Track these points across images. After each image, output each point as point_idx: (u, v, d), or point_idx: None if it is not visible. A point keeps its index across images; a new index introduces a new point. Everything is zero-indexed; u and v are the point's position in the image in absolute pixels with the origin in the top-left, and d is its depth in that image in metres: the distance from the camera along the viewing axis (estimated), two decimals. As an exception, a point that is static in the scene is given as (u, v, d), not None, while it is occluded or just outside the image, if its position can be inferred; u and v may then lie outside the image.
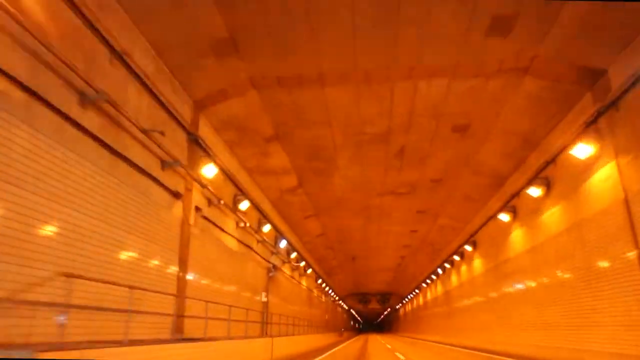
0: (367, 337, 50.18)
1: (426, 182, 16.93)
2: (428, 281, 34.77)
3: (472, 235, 20.17)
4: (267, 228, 15.92)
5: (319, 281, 32.94)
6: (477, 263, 20.29)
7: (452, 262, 25.94)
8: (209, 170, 10.19)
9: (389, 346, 25.10)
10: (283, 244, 18.66)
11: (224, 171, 11.60)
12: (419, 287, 41.52)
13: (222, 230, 11.86)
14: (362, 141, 13.36)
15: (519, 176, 14.10)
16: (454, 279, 26.04)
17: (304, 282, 26.33)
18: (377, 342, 33.44)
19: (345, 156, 14.42)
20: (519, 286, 14.74)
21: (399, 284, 50.07)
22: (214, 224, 11.19)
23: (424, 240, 26.93)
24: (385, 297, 63.84)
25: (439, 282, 31.62)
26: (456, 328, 25.52)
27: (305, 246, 26.29)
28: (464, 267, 23.17)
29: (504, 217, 15.32)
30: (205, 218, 10.60)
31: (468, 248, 20.94)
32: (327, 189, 17.58)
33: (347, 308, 65.56)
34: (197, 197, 10.07)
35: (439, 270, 29.26)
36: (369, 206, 20.11)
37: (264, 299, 15.93)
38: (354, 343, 32.84)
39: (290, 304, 21.52)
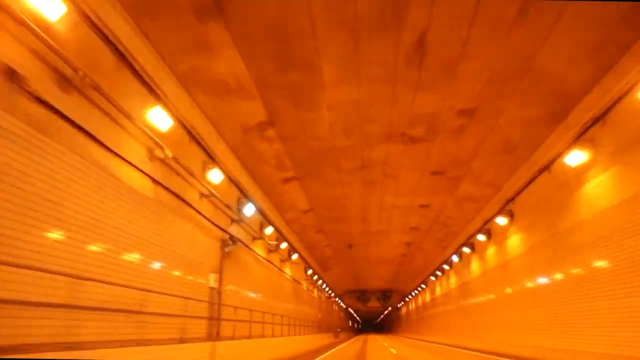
0: (366, 338, 45.02)
1: (451, 116, 11.71)
2: (438, 273, 29.57)
3: (508, 202, 14.99)
4: (218, 177, 10.71)
5: (310, 272, 27.75)
6: (515, 241, 15.08)
7: (472, 246, 20.77)
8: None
9: (394, 351, 19.92)
10: (250, 210, 13.47)
11: (98, 28, 6.38)
12: (425, 281, 36.41)
13: (108, 149, 6.66)
14: (355, 17, 8.15)
15: (607, 87, 8.94)
16: (475, 267, 20.85)
17: (287, 271, 21.14)
18: (378, 345, 28.28)
19: (332, 55, 9.19)
20: (600, 263, 9.55)
21: (402, 280, 44.96)
22: (77, 126, 5.98)
23: (437, 218, 21.71)
24: (386, 295, 58.98)
25: (452, 274, 26.43)
26: (477, 328, 20.33)
27: (290, 226, 21.11)
28: (491, 250, 17.97)
29: (575, 158, 10.14)
30: (47, 105, 5.39)
31: (501, 221, 15.74)
32: (311, 127, 12.37)
33: (344, 307, 60.48)
34: (8, 48, 4.87)
35: (454, 258, 24.07)
36: (369, 162, 14.87)
37: (213, 284, 10.74)
38: (351, 346, 27.70)
39: (265, 295, 16.33)
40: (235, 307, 11.72)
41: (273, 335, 14.99)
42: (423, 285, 37.68)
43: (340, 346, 26.16)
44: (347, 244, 28.52)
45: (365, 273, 42.10)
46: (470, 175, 15.69)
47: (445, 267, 26.85)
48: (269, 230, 16.15)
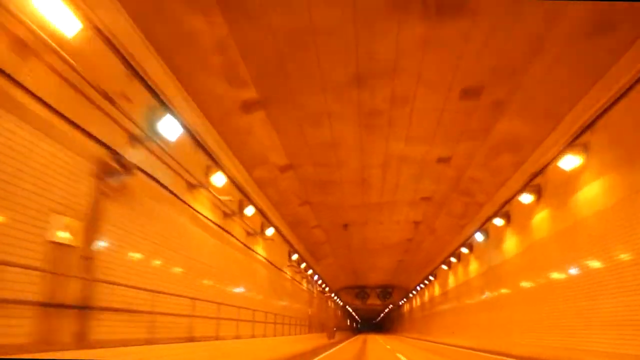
0: (365, 339, 39.83)
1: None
2: (453, 259, 24.34)
3: (583, 131, 9.73)
4: (70, 23, 5.38)
5: (295, 257, 22.50)
6: (593, 190, 9.78)
7: (507, 215, 15.54)
8: None
9: (402, 358, 14.68)
10: (174, 129, 8.22)
11: None
12: (434, 272, 31.27)
13: None
14: None
15: None
16: (510, 244, 15.60)
17: (259, 250, 15.86)
18: (380, 348, 23.08)
19: None
20: None
21: (405, 273, 39.87)
22: None
23: (458, 181, 16.43)
24: (387, 291, 54.10)
25: (472, 259, 21.21)
26: (512, 326, 15.09)
27: (263, 191, 15.88)
28: (541, 215, 12.67)
29: None
30: None
31: (567, 164, 10.45)
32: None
33: (341, 304, 55.33)
34: None
35: (477, 237, 18.83)
36: (369, 65, 9.53)
37: (64, 237, 5.47)
38: (347, 347, 22.52)
39: (212, 277, 11.00)
40: (125, 287, 6.44)
41: (217, 337, 9.69)
42: (431, 277, 32.48)
43: (333, 349, 20.90)
44: (342, 223, 23.29)
45: (364, 264, 36.93)
46: (521, 96, 10.37)
47: (464, 250, 21.60)
48: (219, 180, 10.84)
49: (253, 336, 12.86)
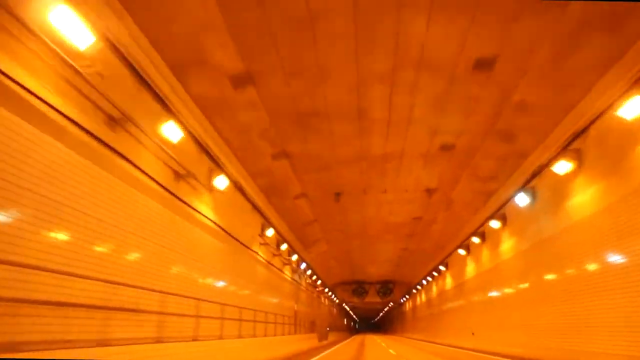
0: (363, 340, 34.72)
1: None
2: (475, 240, 19.13)
3: None
4: None
5: (271, 233, 17.27)
6: None
7: (577, 157, 10.34)
8: None
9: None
10: None
11: None
12: (445, 262, 26.17)
13: None
14: None
15: None
16: (580, 200, 10.38)
17: (204, 209, 10.61)
18: (382, 353, 17.92)
19: None
20: None
21: (409, 265, 34.85)
22: None
23: (499, 111, 11.12)
24: (387, 287, 49.20)
25: (505, 235, 16.03)
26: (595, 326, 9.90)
27: (211, 120, 10.67)
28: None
29: None
30: None
31: None
32: None
33: (337, 302, 50.25)
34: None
35: (519, 201, 13.59)
36: None
37: None
38: (341, 350, 17.34)
39: (64, 224, 5.75)
40: None
41: (106, 342, 4.53)
42: (442, 268, 27.31)
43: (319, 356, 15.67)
44: (333, 191, 18.06)
45: (363, 253, 31.72)
46: None
47: (494, 224, 16.34)
48: (81, 36, 5.55)
49: (181, 337, 7.61)
